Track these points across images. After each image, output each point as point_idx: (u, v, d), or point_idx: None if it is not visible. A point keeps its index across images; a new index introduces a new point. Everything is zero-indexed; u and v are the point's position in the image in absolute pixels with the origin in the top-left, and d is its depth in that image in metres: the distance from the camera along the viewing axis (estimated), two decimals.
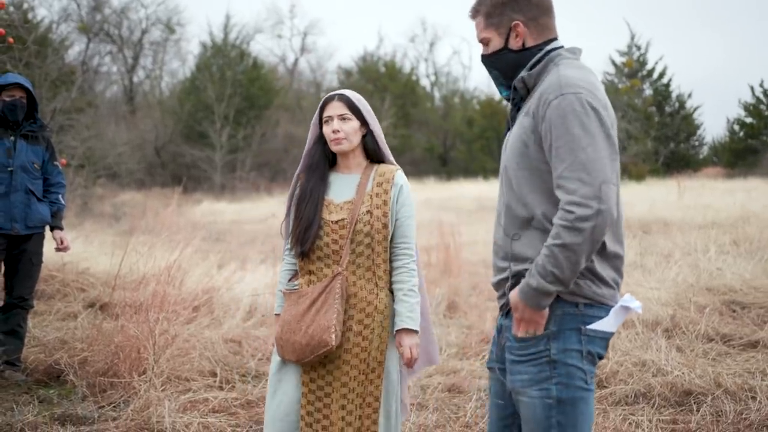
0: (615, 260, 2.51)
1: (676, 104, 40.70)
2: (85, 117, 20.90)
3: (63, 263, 8.32)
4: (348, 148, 3.24)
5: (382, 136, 3.35)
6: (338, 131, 3.20)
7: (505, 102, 2.82)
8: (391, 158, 3.36)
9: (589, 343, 2.47)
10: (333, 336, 3.07)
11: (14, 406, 4.82)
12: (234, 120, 34.40)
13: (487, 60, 2.68)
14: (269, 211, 19.50)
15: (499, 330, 2.68)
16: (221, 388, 5.35)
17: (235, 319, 7.15)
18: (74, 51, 33.55)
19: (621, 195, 2.52)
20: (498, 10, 2.61)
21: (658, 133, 38.59)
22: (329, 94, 3.30)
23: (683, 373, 5.23)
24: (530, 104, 2.54)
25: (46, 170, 5.69)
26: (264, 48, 61.30)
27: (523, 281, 2.43)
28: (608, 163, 2.37)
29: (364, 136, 3.28)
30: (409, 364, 3.18)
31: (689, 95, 40.92)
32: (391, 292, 3.24)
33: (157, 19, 40.76)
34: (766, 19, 75.00)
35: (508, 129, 2.69)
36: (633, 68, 39.55)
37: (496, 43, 2.64)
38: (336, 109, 3.23)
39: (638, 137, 35.99)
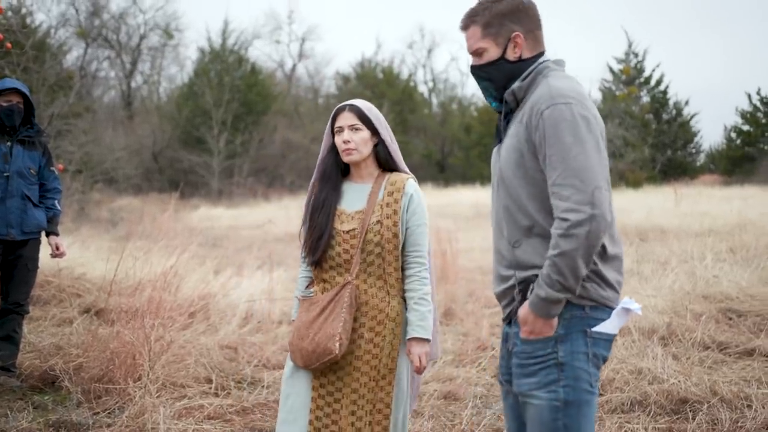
0: (616, 262, 2.57)
1: (674, 111, 40.76)
2: (82, 122, 20.89)
3: (59, 269, 8.30)
4: (359, 158, 3.27)
5: (395, 145, 3.39)
6: (349, 141, 3.24)
7: None
8: (404, 167, 3.39)
9: (595, 345, 2.52)
10: (337, 344, 3.10)
11: (9, 413, 4.81)
12: (232, 125, 34.41)
13: (480, 70, 2.69)
14: (266, 216, 19.51)
15: (505, 338, 2.70)
16: (217, 395, 5.34)
17: (231, 325, 7.14)
18: (72, 56, 33.60)
19: (617, 201, 2.56)
20: (498, 21, 2.63)
21: (656, 140, 38.64)
22: (340, 105, 3.34)
23: (679, 381, 5.23)
24: (522, 115, 2.58)
25: (42, 176, 5.68)
26: (262, 54, 61.34)
27: (531, 294, 2.48)
28: (599, 170, 2.44)
29: (375, 146, 3.31)
30: (419, 371, 3.21)
31: (686, 103, 40.95)
32: (404, 299, 3.28)
33: (155, 25, 40.79)
34: (764, 26, 75.23)
35: (499, 139, 2.73)
36: (630, 75, 39.60)
37: (493, 54, 2.66)
38: (347, 119, 3.27)
39: (635, 144, 36.02)
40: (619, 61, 40.40)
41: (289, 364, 3.28)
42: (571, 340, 2.50)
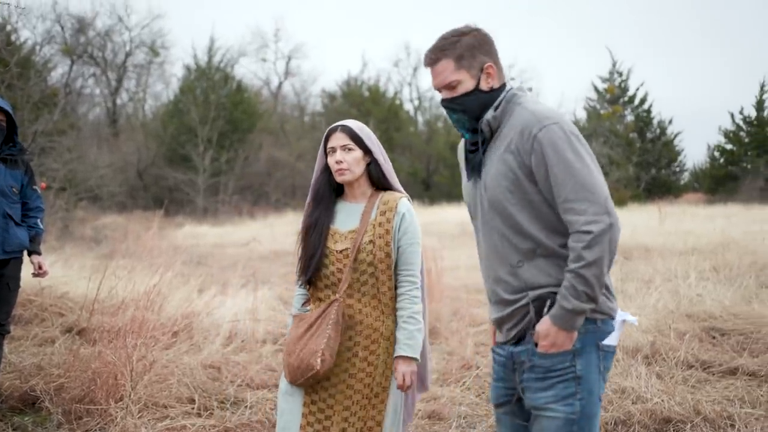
0: (609, 272, 2.66)
1: (657, 130, 41.08)
2: (67, 139, 20.80)
3: (41, 288, 8.24)
4: (351, 178, 3.31)
5: (389, 164, 3.41)
6: (341, 162, 3.28)
7: None
8: (398, 186, 3.42)
9: (605, 358, 2.63)
10: (319, 360, 3.14)
11: None
12: (217, 143, 34.36)
13: (454, 102, 2.74)
14: (251, 234, 19.46)
15: (509, 358, 2.72)
16: (199, 415, 5.30)
17: (214, 344, 7.09)
18: (57, 73, 33.39)
19: None
20: (470, 53, 2.71)
21: (640, 158, 38.90)
22: (332, 126, 3.37)
23: (663, 401, 5.23)
24: (509, 142, 2.64)
25: (24, 194, 5.64)
26: (248, 71, 61.31)
27: (554, 307, 2.53)
28: (602, 180, 2.57)
29: (368, 165, 3.34)
30: (402, 389, 3.22)
31: (670, 122, 41.31)
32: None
33: (141, 42, 40.76)
34: (746, 48, 76.02)
35: (475, 170, 2.76)
36: (615, 94, 39.90)
37: (468, 85, 2.72)
38: (339, 140, 3.30)
39: (620, 163, 36.25)
40: (604, 80, 40.73)
41: (283, 380, 3.34)
42: (586, 353, 2.58)
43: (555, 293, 2.58)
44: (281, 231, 20.54)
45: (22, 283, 5.72)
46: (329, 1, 73.86)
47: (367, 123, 36.48)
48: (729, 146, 39.64)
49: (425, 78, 49.79)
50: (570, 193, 2.51)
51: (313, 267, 3.26)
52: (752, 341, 6.82)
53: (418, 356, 3.24)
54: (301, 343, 3.20)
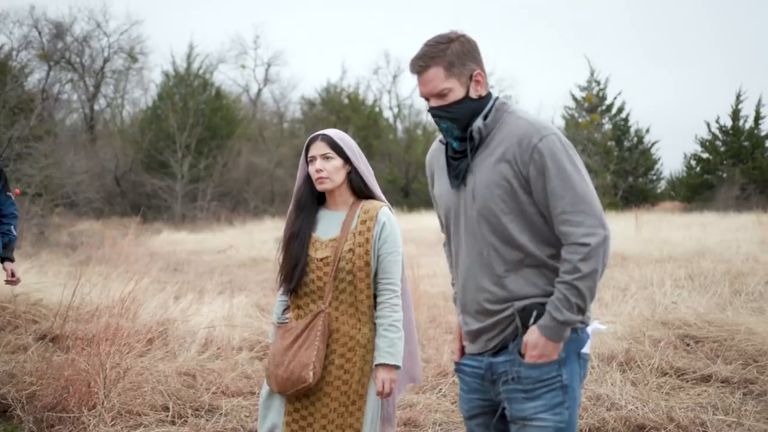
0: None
1: (635, 139, 41.36)
2: (43, 145, 20.66)
3: (14, 294, 8.15)
4: (331, 186, 3.32)
5: (371, 172, 3.42)
6: (321, 170, 3.29)
7: None
8: (380, 194, 3.42)
9: (583, 367, 2.65)
10: (311, 373, 3.17)
11: None
12: (195, 149, 34.23)
13: (444, 110, 2.68)
14: (229, 241, 19.37)
15: (488, 368, 2.69)
16: (173, 423, 5.26)
17: (190, 351, 7.04)
18: (34, 78, 33.18)
19: None
20: (460, 61, 2.67)
21: (617, 167, 39.13)
22: (313, 135, 3.38)
23: (637, 408, 5.26)
24: (503, 151, 2.62)
25: None
26: (227, 78, 60.97)
27: (544, 318, 2.54)
28: (595, 193, 2.59)
29: (348, 174, 3.34)
30: (381, 396, 3.24)
31: (647, 130, 41.59)
32: (375, 326, 3.30)
33: (119, 48, 40.47)
34: (722, 58, 76.87)
35: (460, 177, 2.71)
36: (593, 103, 40.14)
37: (459, 93, 2.68)
38: (319, 149, 3.31)
39: (598, 171, 36.46)
40: (582, 89, 40.95)
41: (265, 388, 3.35)
42: (569, 362, 2.59)
43: (541, 304, 2.58)
44: (259, 238, 20.48)
45: None
46: (309, 8, 73.96)
47: (346, 130, 36.49)
48: (705, 155, 39.98)
49: (404, 86, 49.90)
50: (568, 205, 2.53)
51: (297, 276, 3.28)
52: (726, 348, 6.87)
53: (400, 364, 3.24)
54: (290, 355, 3.21)
